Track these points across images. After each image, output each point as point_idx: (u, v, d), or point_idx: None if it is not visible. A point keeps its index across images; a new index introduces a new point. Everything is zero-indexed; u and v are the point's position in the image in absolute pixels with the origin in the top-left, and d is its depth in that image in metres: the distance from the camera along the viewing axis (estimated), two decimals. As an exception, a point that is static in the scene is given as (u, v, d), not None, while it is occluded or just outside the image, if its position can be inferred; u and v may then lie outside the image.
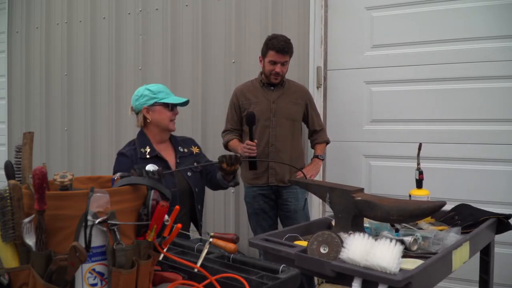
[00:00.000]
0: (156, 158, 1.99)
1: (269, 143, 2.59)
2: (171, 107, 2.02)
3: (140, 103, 2.01)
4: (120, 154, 2.03)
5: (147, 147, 2.00)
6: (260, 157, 2.53)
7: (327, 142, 2.77)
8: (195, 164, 2.07)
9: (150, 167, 1.90)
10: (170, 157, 2.05)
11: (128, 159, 1.98)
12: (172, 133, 2.14)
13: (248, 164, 2.37)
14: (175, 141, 2.11)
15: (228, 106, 2.75)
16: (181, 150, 2.09)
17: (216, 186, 2.18)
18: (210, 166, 2.16)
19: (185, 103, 2.06)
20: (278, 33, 2.63)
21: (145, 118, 2.02)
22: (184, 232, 1.89)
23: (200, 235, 2.09)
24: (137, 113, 2.05)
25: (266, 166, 2.60)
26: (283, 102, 2.61)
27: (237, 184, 2.12)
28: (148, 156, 1.97)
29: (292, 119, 2.62)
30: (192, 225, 2.19)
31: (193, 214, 2.07)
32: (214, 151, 3.06)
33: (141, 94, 2.02)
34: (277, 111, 2.59)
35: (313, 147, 2.76)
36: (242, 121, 2.66)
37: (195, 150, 2.14)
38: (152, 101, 2.00)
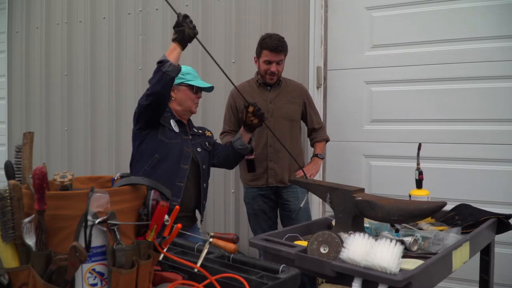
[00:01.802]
0: (178, 121, 2.11)
1: (268, 144, 2.59)
2: (196, 90, 2.13)
3: None
4: None
5: (169, 113, 2.12)
6: (258, 158, 2.53)
7: (327, 140, 2.77)
8: (206, 143, 2.20)
9: (173, 122, 2.09)
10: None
11: None
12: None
13: (247, 166, 2.37)
14: (191, 123, 2.25)
15: (225, 107, 2.74)
16: (195, 130, 2.22)
17: (226, 158, 2.24)
18: (218, 144, 2.28)
19: (210, 89, 2.19)
20: (278, 33, 2.62)
21: (170, 96, 2.10)
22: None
23: (202, 216, 2.20)
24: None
25: (265, 168, 2.59)
26: (280, 102, 2.61)
27: (252, 150, 2.24)
28: (171, 118, 2.10)
29: (290, 119, 2.62)
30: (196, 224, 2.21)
31: (198, 193, 2.14)
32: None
33: None
34: (275, 111, 2.59)
35: (312, 145, 2.76)
36: (239, 122, 2.65)
37: (207, 133, 2.27)
38: (179, 81, 2.09)
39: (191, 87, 2.12)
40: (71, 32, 4.06)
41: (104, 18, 3.85)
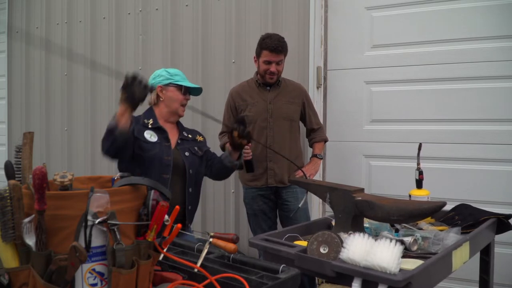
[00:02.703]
0: (158, 129, 2.05)
1: (267, 144, 2.59)
2: (184, 91, 2.09)
3: (155, 82, 2.10)
4: None
5: (151, 120, 2.07)
6: (258, 158, 2.53)
7: (326, 141, 2.77)
8: (196, 148, 2.13)
9: (148, 133, 2.00)
10: (172, 135, 2.10)
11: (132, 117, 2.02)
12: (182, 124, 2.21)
13: (245, 166, 2.37)
14: (181, 127, 2.19)
15: (225, 107, 2.74)
16: (185, 134, 2.16)
17: (218, 172, 2.18)
18: (212, 154, 2.21)
19: (198, 90, 2.16)
20: (278, 33, 2.62)
21: (158, 97, 2.08)
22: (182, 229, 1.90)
23: (189, 222, 2.10)
24: (151, 92, 2.09)
25: (264, 168, 2.59)
26: (280, 102, 2.61)
27: (241, 166, 2.16)
28: (150, 126, 2.04)
29: (289, 119, 2.62)
30: (191, 224, 2.20)
31: (183, 197, 2.05)
32: (213, 150, 3.04)
33: (158, 74, 2.11)
34: (274, 112, 2.59)
35: (311, 146, 2.76)
36: None
37: (199, 138, 2.21)
38: (167, 81, 2.08)
39: (179, 87, 2.08)
40: (71, 32, 4.06)
41: (104, 18, 3.85)
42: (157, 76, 2.11)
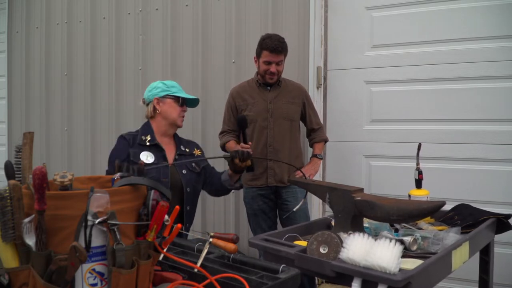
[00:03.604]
0: (155, 147, 2.02)
1: (267, 144, 2.59)
2: (181, 102, 2.08)
3: (152, 94, 2.08)
4: (120, 137, 2.07)
5: (149, 135, 2.04)
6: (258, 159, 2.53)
7: (326, 141, 2.77)
8: (193, 165, 2.08)
9: (144, 155, 1.94)
10: (170, 151, 2.08)
11: (126, 142, 2.02)
12: (182, 134, 2.19)
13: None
14: (178, 140, 2.15)
15: (225, 107, 2.74)
16: (183, 149, 2.11)
17: (217, 190, 2.17)
18: (210, 170, 2.17)
19: (195, 102, 2.14)
20: (278, 33, 2.62)
21: (154, 109, 2.07)
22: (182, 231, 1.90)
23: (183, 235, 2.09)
24: (147, 104, 2.11)
25: (264, 167, 2.59)
26: (280, 102, 2.61)
27: (241, 186, 2.15)
28: (147, 144, 2.01)
29: (289, 119, 2.62)
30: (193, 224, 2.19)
31: (180, 215, 2.04)
32: (214, 151, 3.06)
33: (155, 86, 2.09)
34: (274, 111, 2.59)
35: (311, 146, 2.76)
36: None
37: (197, 152, 2.15)
38: (164, 93, 2.06)
39: (176, 99, 2.06)
40: (71, 32, 4.06)
41: (104, 18, 3.85)
42: (153, 88, 2.08)
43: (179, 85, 2.14)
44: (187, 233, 1.95)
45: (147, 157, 1.97)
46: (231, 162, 1.93)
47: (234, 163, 1.92)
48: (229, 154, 1.96)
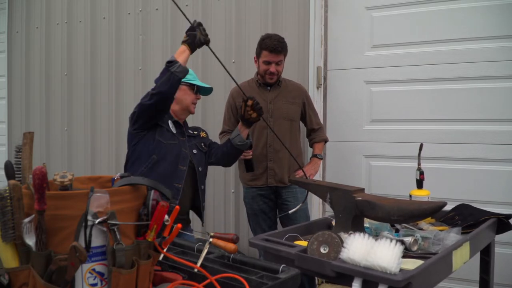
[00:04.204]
0: (174, 123, 2.12)
1: (267, 144, 2.59)
2: (196, 90, 2.16)
3: None
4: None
5: (167, 114, 2.12)
6: (258, 158, 2.53)
7: (326, 141, 2.77)
8: (202, 145, 2.20)
9: (171, 123, 2.10)
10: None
11: None
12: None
13: (245, 166, 2.37)
14: (186, 124, 2.25)
15: (225, 107, 2.74)
16: (191, 132, 2.22)
17: (224, 155, 2.20)
18: (213, 144, 2.27)
19: (209, 91, 2.23)
20: (278, 33, 2.62)
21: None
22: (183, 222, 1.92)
23: (202, 219, 2.19)
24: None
25: (264, 167, 2.59)
26: (280, 102, 2.61)
27: (251, 146, 2.22)
28: (169, 119, 2.11)
29: (289, 119, 2.62)
30: (191, 223, 2.20)
31: (194, 195, 2.13)
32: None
33: None
34: (274, 112, 2.59)
35: (311, 146, 2.76)
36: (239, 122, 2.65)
37: (202, 134, 2.27)
38: None
39: (191, 86, 2.14)
40: (71, 32, 4.06)
41: (104, 18, 3.85)
42: None
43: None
44: (190, 233, 2.04)
45: (172, 126, 2.09)
46: (244, 105, 2.03)
47: (246, 106, 2.02)
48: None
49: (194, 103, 2.17)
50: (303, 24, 3.02)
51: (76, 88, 4.05)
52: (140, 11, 3.65)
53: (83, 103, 3.99)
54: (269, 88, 2.63)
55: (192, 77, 2.15)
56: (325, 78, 3.07)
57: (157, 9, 3.57)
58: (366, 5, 2.95)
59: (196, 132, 2.24)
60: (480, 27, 2.64)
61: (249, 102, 2.03)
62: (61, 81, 4.14)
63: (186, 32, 1.89)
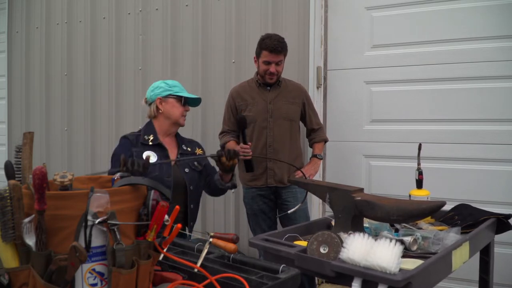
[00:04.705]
0: (158, 146, 2.04)
1: (267, 144, 2.59)
2: (183, 102, 2.10)
3: (154, 94, 2.10)
4: (122, 137, 2.10)
5: (151, 135, 2.06)
6: (258, 158, 2.53)
7: (326, 141, 2.77)
8: (195, 163, 2.10)
9: (147, 153, 1.95)
10: (172, 151, 2.10)
11: (129, 142, 2.04)
12: (181, 134, 2.20)
13: (245, 166, 2.37)
14: (180, 139, 2.17)
15: (225, 107, 2.74)
16: (185, 148, 2.14)
17: (214, 190, 2.17)
18: (211, 169, 2.18)
19: (197, 101, 2.16)
20: (278, 33, 2.62)
21: (157, 109, 2.08)
22: (181, 231, 1.90)
23: (189, 238, 2.08)
24: (149, 104, 2.13)
25: (264, 167, 2.59)
26: (280, 102, 2.60)
27: (234, 186, 2.12)
28: (150, 143, 2.03)
29: (289, 119, 2.62)
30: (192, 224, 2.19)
31: (184, 213, 2.06)
32: (214, 151, 3.04)
33: (157, 86, 2.11)
34: (274, 112, 2.59)
35: (311, 146, 2.76)
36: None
37: (198, 151, 2.18)
38: (166, 93, 2.08)
39: (179, 98, 2.08)
40: (71, 32, 4.06)
41: (104, 18, 3.85)
42: (155, 88, 2.10)
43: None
44: (190, 233, 1.97)
45: (150, 157, 1.97)
46: (219, 161, 1.90)
47: (221, 162, 1.88)
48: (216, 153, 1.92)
49: (184, 115, 2.11)
50: (303, 24, 3.02)
51: (76, 88, 4.05)
52: (140, 11, 3.65)
53: (83, 103, 4.00)
54: (269, 88, 2.63)
55: (178, 89, 2.10)
56: (325, 78, 3.07)
57: (157, 9, 3.57)
58: (366, 5, 2.95)
59: (190, 150, 2.14)
60: (480, 27, 2.64)
61: (223, 159, 1.87)
62: (61, 81, 4.14)
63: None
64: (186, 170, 2.06)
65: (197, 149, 2.18)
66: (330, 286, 2.93)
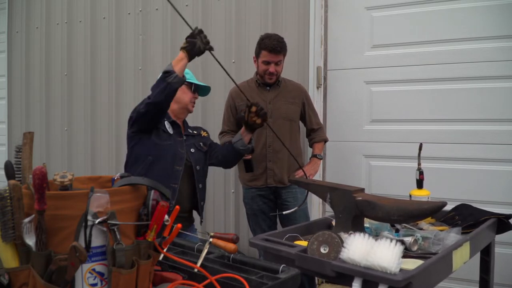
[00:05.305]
0: (172, 123, 2.12)
1: (267, 144, 2.59)
2: (194, 89, 2.16)
3: None
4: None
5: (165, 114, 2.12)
6: (257, 158, 2.53)
7: (326, 141, 2.77)
8: (201, 144, 2.20)
9: (167, 124, 2.10)
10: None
11: None
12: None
13: (244, 166, 2.37)
14: (186, 124, 2.25)
15: (225, 107, 2.74)
16: (190, 131, 2.22)
17: (223, 156, 2.22)
18: (215, 145, 2.27)
19: (206, 90, 2.24)
20: (278, 33, 2.62)
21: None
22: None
23: (201, 217, 2.20)
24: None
25: (264, 168, 2.59)
26: (280, 102, 2.60)
27: (253, 150, 2.21)
28: (165, 120, 2.11)
29: (289, 119, 2.61)
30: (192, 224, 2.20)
31: (193, 194, 2.14)
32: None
33: None
34: (274, 112, 2.59)
35: (311, 146, 2.76)
36: (238, 122, 2.65)
37: (203, 133, 2.28)
38: None
39: (189, 85, 2.15)
40: (71, 32, 4.06)
41: (104, 18, 3.85)
42: None
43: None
44: (202, 213, 2.12)
45: (169, 127, 2.08)
46: (248, 112, 2.02)
47: (250, 112, 2.01)
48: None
49: (193, 102, 2.18)
50: (303, 24, 3.02)
51: (76, 88, 4.05)
52: (140, 11, 3.65)
53: (83, 103, 3.99)
54: (268, 88, 2.62)
55: (189, 76, 2.16)
56: (325, 78, 3.07)
57: (157, 9, 3.57)
58: (366, 5, 2.95)
59: (196, 132, 2.24)
60: (480, 27, 2.64)
61: (253, 109, 2.01)
62: (61, 81, 4.14)
63: (186, 38, 1.84)
64: (192, 150, 2.14)
65: (202, 131, 2.28)
66: (330, 286, 2.93)
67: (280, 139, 2.26)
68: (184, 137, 2.14)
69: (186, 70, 2.15)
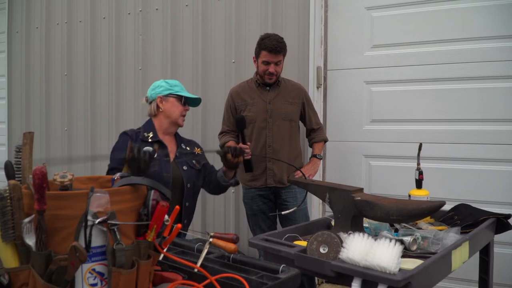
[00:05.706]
0: (157, 143, 2.05)
1: (266, 144, 2.58)
2: (184, 101, 2.11)
3: (155, 92, 2.11)
4: (122, 133, 2.09)
5: (151, 133, 2.07)
6: (257, 159, 2.53)
7: (325, 141, 2.77)
8: (194, 162, 2.12)
9: (148, 148, 1.94)
10: (171, 149, 2.10)
11: (128, 137, 2.03)
12: (181, 134, 2.21)
13: (244, 166, 2.37)
14: (179, 138, 2.18)
15: (224, 107, 2.74)
16: (183, 147, 2.15)
17: (215, 188, 2.19)
18: (210, 168, 2.19)
19: (197, 101, 2.17)
20: (278, 33, 2.62)
21: (157, 107, 2.10)
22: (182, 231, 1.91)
23: (184, 236, 2.07)
24: (150, 102, 2.14)
25: (263, 168, 2.59)
26: (279, 102, 2.60)
27: (237, 183, 2.15)
28: (150, 140, 2.04)
29: (289, 119, 2.61)
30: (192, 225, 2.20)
31: (179, 211, 2.05)
32: (214, 154, 3.05)
33: (158, 85, 2.12)
34: (274, 112, 2.59)
35: (311, 146, 2.76)
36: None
37: (197, 150, 2.19)
38: (167, 92, 2.09)
39: (179, 98, 2.10)
40: (71, 32, 4.06)
41: (104, 18, 3.85)
42: (156, 87, 2.11)
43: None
44: (185, 232, 1.96)
45: (156, 146, 1.98)
46: (224, 158, 1.97)
47: (226, 158, 1.95)
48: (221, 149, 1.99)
49: (183, 115, 2.12)
50: (303, 24, 3.02)
51: (76, 88, 4.05)
52: (140, 11, 3.65)
53: (83, 103, 4.00)
54: (268, 88, 2.62)
55: (179, 89, 2.11)
56: (325, 78, 3.07)
57: (157, 9, 3.57)
58: (366, 5, 2.95)
59: (189, 149, 2.16)
60: (480, 27, 2.64)
61: (228, 156, 1.94)
62: (61, 81, 4.14)
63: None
64: (185, 167, 2.07)
65: (196, 148, 2.20)
66: (330, 286, 2.93)
67: (278, 149, 2.26)
68: (177, 154, 2.08)
69: (176, 82, 2.13)
